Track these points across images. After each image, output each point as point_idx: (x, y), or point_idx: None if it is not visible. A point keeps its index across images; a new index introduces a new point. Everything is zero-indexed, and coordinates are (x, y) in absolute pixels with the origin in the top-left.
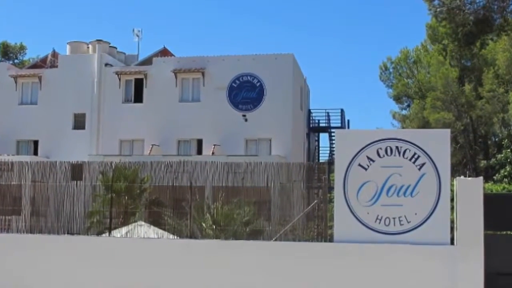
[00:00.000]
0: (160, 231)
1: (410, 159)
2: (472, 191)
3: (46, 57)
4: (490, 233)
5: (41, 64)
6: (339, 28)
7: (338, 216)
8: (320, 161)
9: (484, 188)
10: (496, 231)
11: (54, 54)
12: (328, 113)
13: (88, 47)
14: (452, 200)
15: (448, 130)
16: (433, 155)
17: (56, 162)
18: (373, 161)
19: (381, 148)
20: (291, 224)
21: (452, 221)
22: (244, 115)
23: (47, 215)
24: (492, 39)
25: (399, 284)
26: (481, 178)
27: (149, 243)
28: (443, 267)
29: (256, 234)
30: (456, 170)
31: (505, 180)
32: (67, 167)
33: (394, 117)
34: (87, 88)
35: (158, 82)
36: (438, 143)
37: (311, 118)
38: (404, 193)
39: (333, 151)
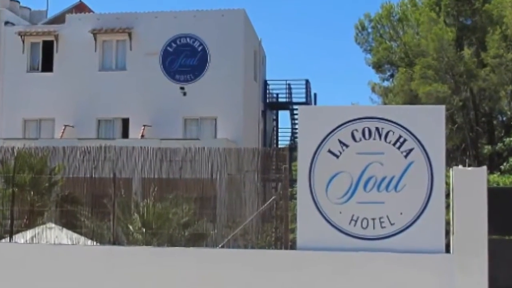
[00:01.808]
0: (75, 235)
1: (394, 144)
2: (473, 184)
3: None
4: (496, 238)
5: None
6: None
7: (302, 217)
8: (280, 146)
9: (488, 180)
10: (504, 236)
11: None
12: (289, 85)
13: None
14: (447, 196)
15: (443, 107)
16: (423, 138)
17: None
18: (347, 146)
19: (357, 130)
20: (242, 226)
21: (447, 223)
22: (182, 88)
23: None
24: None
25: None
26: (484, 167)
27: (61, 251)
28: (436, 281)
29: (197, 239)
30: (453, 157)
31: None
32: None
33: (373, 90)
34: None
35: (73, 46)
36: (430, 123)
37: (268, 91)
38: (387, 187)
39: (296, 133)
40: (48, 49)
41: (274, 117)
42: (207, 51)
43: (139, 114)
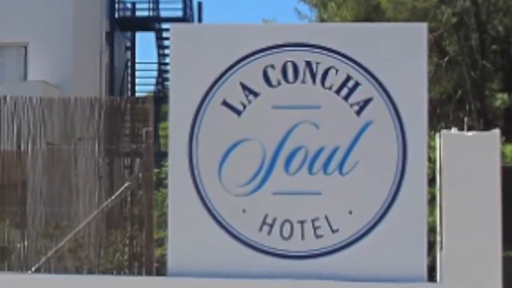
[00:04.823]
0: None
1: (339, 91)
2: (476, 160)
3: None
4: None
5: None
6: None
7: (176, 219)
8: (138, 94)
9: (503, 154)
10: None
11: None
12: None
13: None
14: (431, 180)
15: (424, 26)
16: (389, 81)
17: None
18: (256, 94)
19: (273, 66)
20: (71, 234)
21: (431, 230)
22: None
23: None
24: None
25: None
26: (496, 132)
27: None
28: None
29: None
30: (442, 114)
31: None
32: None
33: None
34: None
35: None
36: (401, 54)
37: None
38: (325, 167)
39: (167, 71)
40: None
41: (129, 44)
42: None
43: None
